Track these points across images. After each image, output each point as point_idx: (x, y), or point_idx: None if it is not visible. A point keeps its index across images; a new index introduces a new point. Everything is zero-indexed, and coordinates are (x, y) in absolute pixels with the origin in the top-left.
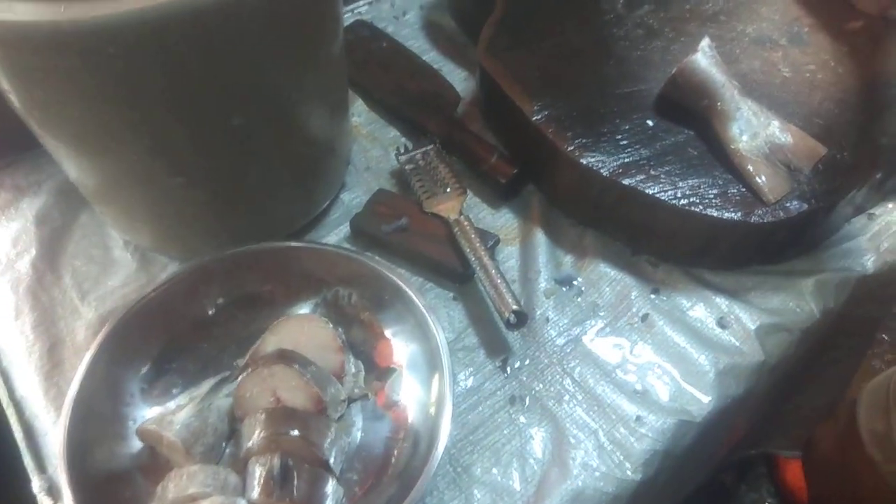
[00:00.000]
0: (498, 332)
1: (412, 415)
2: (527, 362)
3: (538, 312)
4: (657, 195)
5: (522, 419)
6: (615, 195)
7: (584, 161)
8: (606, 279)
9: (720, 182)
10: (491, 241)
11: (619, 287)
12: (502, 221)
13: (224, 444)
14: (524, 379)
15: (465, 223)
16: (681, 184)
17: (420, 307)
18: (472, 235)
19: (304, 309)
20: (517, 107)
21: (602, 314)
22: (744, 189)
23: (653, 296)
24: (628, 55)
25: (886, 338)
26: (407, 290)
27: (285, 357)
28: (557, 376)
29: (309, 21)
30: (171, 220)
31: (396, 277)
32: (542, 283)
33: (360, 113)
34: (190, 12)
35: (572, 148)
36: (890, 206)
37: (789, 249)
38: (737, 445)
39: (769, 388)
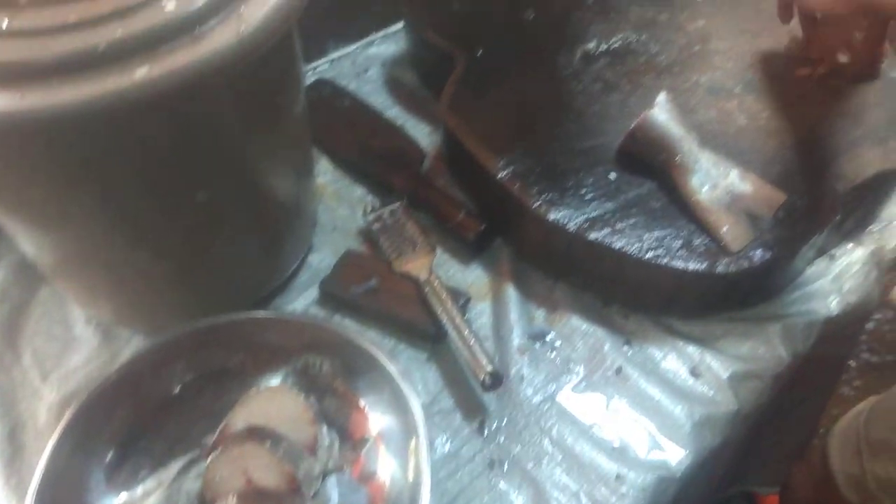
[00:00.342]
0: (473, 392)
1: (390, 486)
2: (504, 423)
3: (513, 370)
4: (623, 249)
5: (502, 485)
6: (583, 249)
7: (550, 217)
8: (579, 332)
9: (684, 233)
10: (462, 300)
11: (592, 340)
12: (472, 277)
13: None
14: (502, 441)
15: (436, 283)
16: (646, 236)
17: (393, 374)
18: (444, 295)
19: (274, 380)
20: (482, 164)
21: (576, 369)
22: (708, 239)
23: (625, 347)
24: (587, 109)
25: (853, 364)
26: (379, 356)
27: (256, 434)
28: (536, 436)
29: (274, 88)
30: (134, 294)
31: (368, 343)
32: (516, 339)
33: (325, 172)
34: (154, 97)
35: (538, 204)
36: (849, 246)
37: (755, 296)
38: (716, 487)
39: (745, 435)
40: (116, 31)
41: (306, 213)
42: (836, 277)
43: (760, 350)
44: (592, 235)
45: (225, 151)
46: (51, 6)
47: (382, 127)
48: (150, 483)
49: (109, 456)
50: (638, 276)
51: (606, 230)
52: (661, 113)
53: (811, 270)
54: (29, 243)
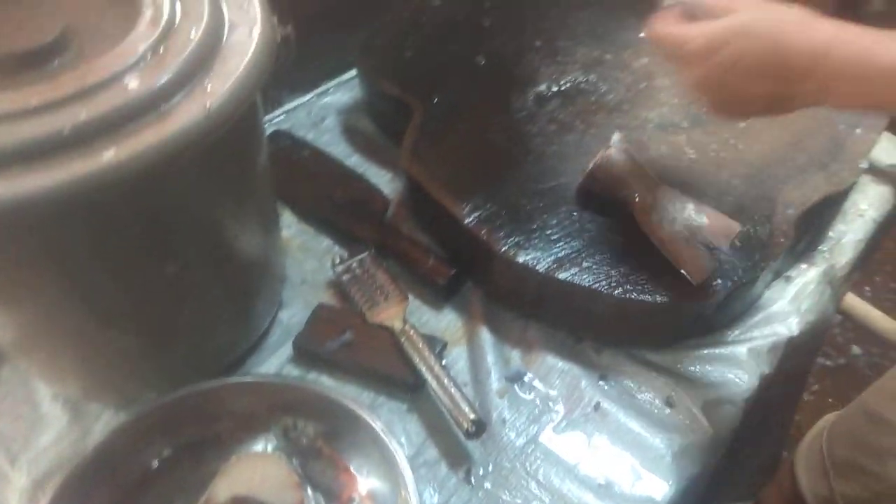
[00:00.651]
0: (457, 440)
1: None
2: (490, 469)
3: (494, 414)
4: (593, 286)
5: None
6: (553, 288)
7: (520, 259)
8: (555, 371)
9: (649, 267)
10: (439, 346)
11: (569, 378)
12: (446, 322)
13: None
14: (489, 487)
15: (411, 331)
16: (612, 272)
17: (378, 430)
18: (420, 344)
19: (255, 446)
20: (448, 210)
21: (556, 408)
22: (672, 272)
23: (601, 382)
24: (545, 150)
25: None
26: (361, 413)
27: None
28: (522, 480)
29: (239, 152)
30: (103, 369)
31: (348, 401)
32: (494, 382)
33: (289, 224)
34: (121, 179)
35: (506, 248)
36: (803, 266)
37: (719, 322)
38: None
39: (721, 459)
40: (80, 114)
41: (275, 269)
42: (793, 298)
43: (730, 375)
44: (562, 275)
45: (193, 221)
46: (10, 90)
47: (344, 176)
48: None
49: None
50: (608, 312)
51: (574, 269)
52: (617, 153)
53: (769, 293)
54: None
